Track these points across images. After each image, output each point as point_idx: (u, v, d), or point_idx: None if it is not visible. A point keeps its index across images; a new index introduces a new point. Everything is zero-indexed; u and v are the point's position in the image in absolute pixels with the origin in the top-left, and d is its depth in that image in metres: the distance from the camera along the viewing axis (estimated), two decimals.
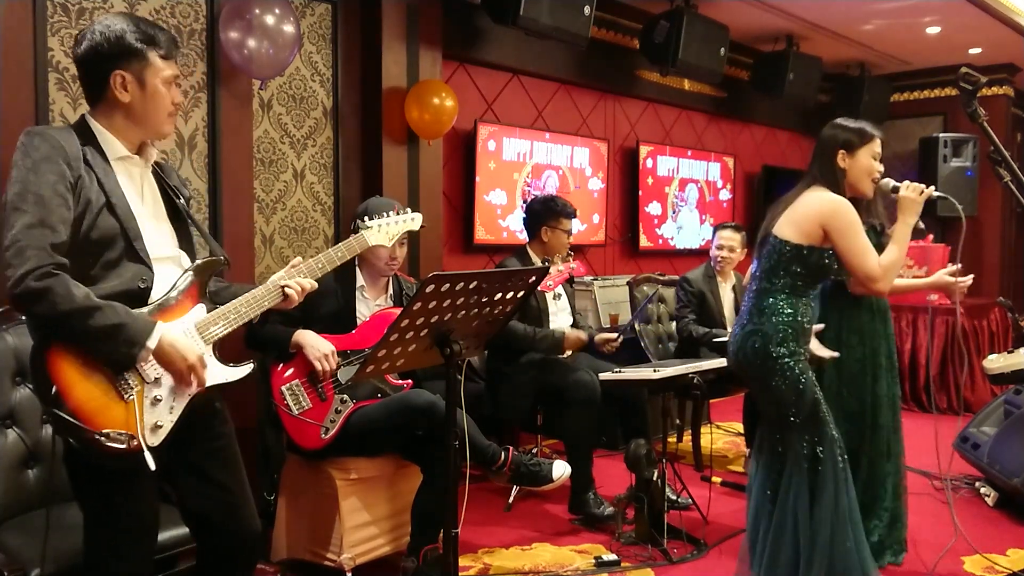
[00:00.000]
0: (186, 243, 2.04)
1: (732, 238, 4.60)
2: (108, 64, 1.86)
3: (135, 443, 1.79)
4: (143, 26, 1.90)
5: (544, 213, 3.89)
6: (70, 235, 1.76)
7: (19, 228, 1.70)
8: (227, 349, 2.04)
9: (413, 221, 2.45)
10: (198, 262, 2.01)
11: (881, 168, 2.71)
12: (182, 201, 2.05)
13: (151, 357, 1.82)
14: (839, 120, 2.73)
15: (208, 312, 1.97)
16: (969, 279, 3.16)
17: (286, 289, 2.05)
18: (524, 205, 4.07)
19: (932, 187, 2.68)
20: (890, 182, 2.70)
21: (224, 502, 2.04)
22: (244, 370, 2.01)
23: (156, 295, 1.90)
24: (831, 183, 2.64)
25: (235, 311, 1.99)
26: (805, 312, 2.63)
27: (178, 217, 2.04)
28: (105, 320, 1.73)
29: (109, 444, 1.75)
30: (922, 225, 3.03)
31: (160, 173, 2.04)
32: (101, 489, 1.85)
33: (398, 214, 2.40)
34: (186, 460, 1.99)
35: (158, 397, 1.85)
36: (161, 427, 1.85)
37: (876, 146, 2.68)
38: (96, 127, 1.90)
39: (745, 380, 2.76)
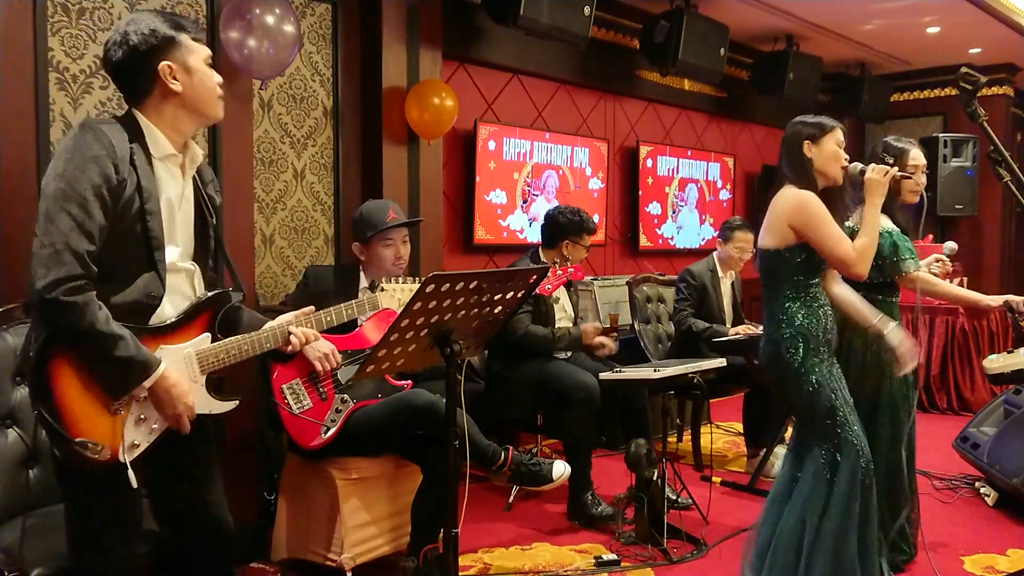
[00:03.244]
0: (202, 256, 2.04)
1: (747, 239, 4.61)
2: (152, 59, 1.86)
3: (107, 455, 1.79)
4: (167, 15, 1.92)
5: (569, 227, 3.88)
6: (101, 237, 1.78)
7: (60, 229, 1.71)
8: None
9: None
10: (216, 292, 2.01)
11: (847, 156, 2.75)
12: (214, 221, 2.04)
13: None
14: (799, 118, 2.78)
15: (212, 343, 1.98)
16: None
17: (292, 337, 2.08)
18: (545, 213, 4.03)
19: (895, 167, 2.76)
20: (858, 165, 2.75)
21: (197, 499, 2.03)
22: (228, 406, 2.03)
23: (167, 311, 1.91)
24: (800, 174, 2.66)
25: (237, 348, 2.00)
26: (816, 316, 2.63)
27: (204, 231, 2.03)
28: (115, 350, 1.75)
29: (83, 453, 1.77)
30: (954, 245, 3.15)
31: (199, 182, 2.02)
32: (85, 483, 1.85)
33: (404, 281, 2.38)
34: (159, 458, 1.96)
35: (143, 416, 1.86)
36: (138, 446, 1.86)
37: (838, 135, 2.72)
38: (144, 123, 1.89)
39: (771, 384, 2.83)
